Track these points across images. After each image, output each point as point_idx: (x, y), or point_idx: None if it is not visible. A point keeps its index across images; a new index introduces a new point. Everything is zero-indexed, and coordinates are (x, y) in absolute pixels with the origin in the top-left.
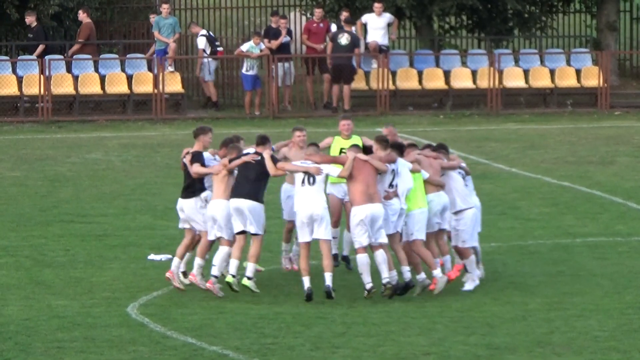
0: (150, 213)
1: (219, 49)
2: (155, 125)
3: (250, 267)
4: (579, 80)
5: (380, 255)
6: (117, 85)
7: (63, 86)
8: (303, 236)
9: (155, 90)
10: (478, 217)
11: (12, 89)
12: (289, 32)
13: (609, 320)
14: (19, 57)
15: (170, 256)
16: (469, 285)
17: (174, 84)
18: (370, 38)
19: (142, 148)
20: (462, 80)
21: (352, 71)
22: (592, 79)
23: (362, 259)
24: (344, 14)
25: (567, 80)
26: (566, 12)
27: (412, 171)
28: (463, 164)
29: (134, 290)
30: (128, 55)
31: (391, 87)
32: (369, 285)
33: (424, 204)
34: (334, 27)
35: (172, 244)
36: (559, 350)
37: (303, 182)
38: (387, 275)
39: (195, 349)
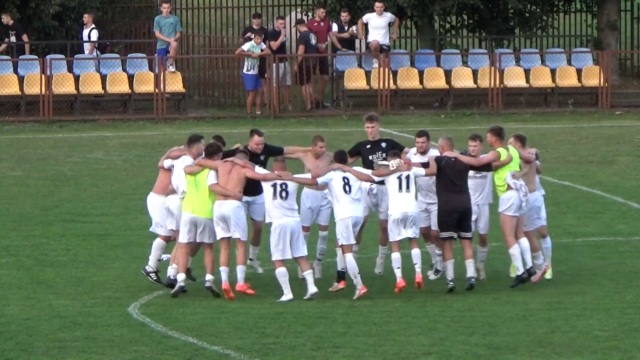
0: None
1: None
2: (157, 125)
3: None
4: (579, 79)
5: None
6: (118, 85)
7: (64, 86)
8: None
9: (157, 90)
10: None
11: (13, 89)
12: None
13: (609, 319)
14: (20, 57)
15: (170, 255)
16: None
17: (175, 83)
18: (371, 37)
19: (143, 147)
20: (463, 79)
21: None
22: (593, 78)
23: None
24: (343, 14)
25: (568, 79)
26: (567, 11)
27: None
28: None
29: (135, 290)
30: (129, 55)
31: (392, 86)
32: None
33: None
34: (335, 27)
35: (172, 243)
36: (559, 350)
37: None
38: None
39: (197, 349)
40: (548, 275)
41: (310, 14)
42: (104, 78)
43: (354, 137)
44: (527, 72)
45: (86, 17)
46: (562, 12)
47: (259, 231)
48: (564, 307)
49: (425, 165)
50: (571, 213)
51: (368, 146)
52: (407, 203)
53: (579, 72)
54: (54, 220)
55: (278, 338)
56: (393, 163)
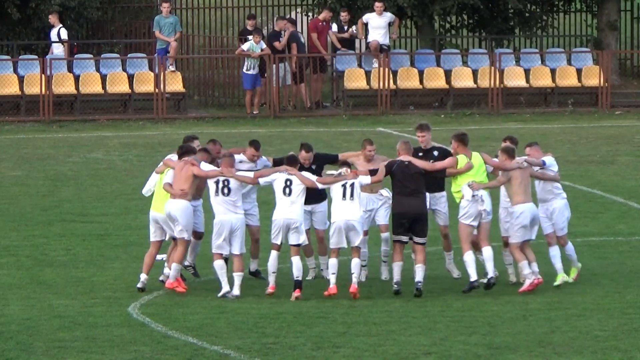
0: None
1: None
2: (157, 125)
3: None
4: (579, 79)
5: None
6: (118, 85)
7: (64, 85)
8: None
9: (157, 90)
10: None
11: (13, 89)
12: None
13: (609, 319)
14: (20, 57)
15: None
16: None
17: (175, 83)
18: (371, 37)
19: (143, 147)
20: (463, 79)
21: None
22: (593, 78)
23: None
24: (343, 14)
25: (568, 79)
26: (567, 11)
27: None
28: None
29: (135, 290)
30: (129, 55)
31: (392, 86)
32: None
33: None
34: (334, 27)
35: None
36: (559, 350)
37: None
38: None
39: (197, 349)
40: (570, 279)
41: (310, 14)
42: (103, 78)
43: (354, 137)
44: (527, 72)
45: (52, 18)
46: (562, 12)
47: (321, 239)
48: (564, 307)
49: (372, 172)
50: (571, 213)
51: (420, 154)
52: (350, 211)
53: (579, 72)
54: (54, 220)
55: (278, 338)
56: (341, 171)
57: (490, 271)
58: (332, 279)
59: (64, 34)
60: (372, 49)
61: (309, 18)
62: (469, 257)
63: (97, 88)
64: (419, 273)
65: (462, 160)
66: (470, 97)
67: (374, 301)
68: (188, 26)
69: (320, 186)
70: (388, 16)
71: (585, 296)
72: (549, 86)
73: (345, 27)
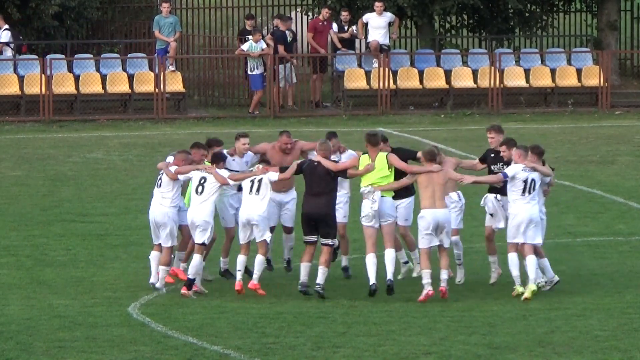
0: None
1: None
2: (157, 125)
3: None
4: (579, 79)
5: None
6: (118, 85)
7: (64, 86)
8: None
9: (157, 90)
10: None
11: (13, 89)
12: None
13: (609, 319)
14: (19, 57)
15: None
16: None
17: (175, 83)
18: (371, 37)
19: (143, 147)
20: (463, 79)
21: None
22: (593, 78)
23: None
24: (343, 14)
25: (568, 79)
26: (567, 11)
27: None
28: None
29: (135, 290)
30: (129, 55)
31: (392, 86)
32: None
33: None
34: (335, 27)
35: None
36: (559, 350)
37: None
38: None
39: (197, 349)
40: (527, 293)
41: (310, 13)
42: (103, 78)
43: (354, 137)
44: (527, 72)
45: None
46: (562, 12)
47: (405, 235)
48: (563, 307)
49: (282, 169)
50: (571, 213)
51: (492, 155)
52: (253, 206)
53: (578, 72)
54: (54, 220)
55: (278, 338)
56: (253, 168)
57: (389, 273)
58: (239, 275)
59: (6, 37)
60: (372, 49)
61: (309, 18)
62: (369, 259)
63: (97, 88)
64: (320, 275)
65: (363, 161)
66: (470, 97)
67: (373, 301)
68: (188, 26)
69: (231, 182)
70: (388, 16)
71: (585, 296)
72: (549, 86)
73: (346, 27)
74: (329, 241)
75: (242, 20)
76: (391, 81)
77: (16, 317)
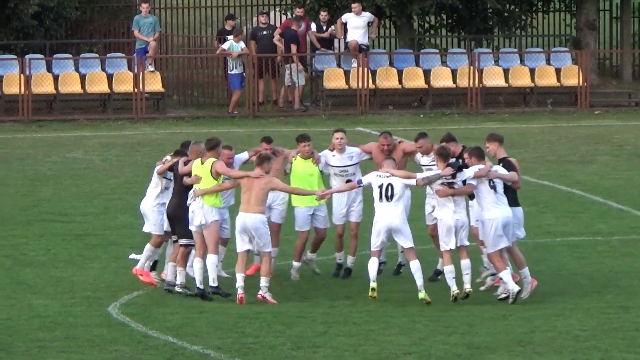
0: (130, 212)
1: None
2: (136, 125)
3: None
4: (558, 79)
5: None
6: (98, 85)
7: (43, 85)
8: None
9: (136, 90)
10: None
11: None
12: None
13: (589, 319)
14: None
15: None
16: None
17: (154, 83)
18: (350, 37)
19: (122, 147)
20: (442, 79)
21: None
22: (572, 78)
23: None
24: (322, 14)
25: (547, 79)
26: (546, 11)
27: None
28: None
29: (114, 290)
30: (108, 55)
31: (371, 86)
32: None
33: None
34: (313, 27)
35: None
36: (539, 350)
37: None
38: None
39: (177, 349)
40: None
41: (288, 13)
42: (82, 78)
43: None
44: (506, 71)
45: None
46: (541, 12)
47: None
48: (543, 307)
49: None
50: (550, 213)
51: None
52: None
53: (558, 71)
54: (33, 220)
55: (258, 338)
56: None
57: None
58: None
59: None
60: (351, 48)
61: (287, 17)
62: (209, 260)
63: (76, 88)
64: (181, 274)
65: (195, 166)
66: (449, 97)
67: (353, 301)
68: (167, 26)
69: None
70: (367, 16)
71: (564, 296)
72: (528, 86)
73: (324, 27)
74: (183, 241)
75: (222, 20)
76: (370, 81)
77: None
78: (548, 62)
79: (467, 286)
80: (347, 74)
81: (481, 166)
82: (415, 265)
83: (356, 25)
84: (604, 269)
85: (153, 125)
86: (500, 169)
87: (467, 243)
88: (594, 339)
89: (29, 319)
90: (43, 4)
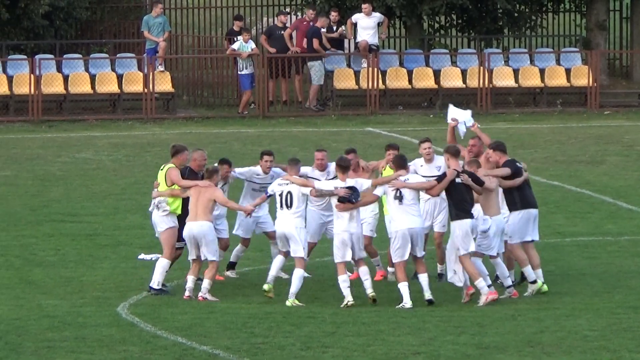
0: (140, 212)
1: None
2: (145, 125)
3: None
4: (568, 79)
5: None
6: (107, 85)
7: (53, 86)
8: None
9: (145, 90)
10: None
11: (2, 89)
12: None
13: (598, 319)
14: (9, 57)
15: (160, 255)
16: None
17: (164, 83)
18: (360, 37)
19: (132, 147)
20: (452, 79)
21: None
22: (582, 78)
23: None
24: (332, 14)
25: (556, 79)
26: (556, 11)
27: None
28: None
29: (124, 290)
30: (118, 55)
31: (381, 86)
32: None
33: None
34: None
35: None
36: (548, 350)
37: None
38: None
39: (186, 349)
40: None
41: (299, 13)
42: (92, 78)
43: (343, 137)
44: (516, 72)
45: None
46: (551, 12)
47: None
48: (552, 307)
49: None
50: (560, 213)
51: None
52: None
53: (567, 72)
54: (43, 220)
55: (267, 338)
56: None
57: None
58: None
59: None
60: (361, 49)
61: (298, 18)
62: (159, 263)
63: (86, 88)
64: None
65: (160, 172)
66: (459, 97)
67: (363, 301)
68: (177, 26)
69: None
70: (377, 16)
71: (574, 296)
72: (537, 86)
73: (335, 27)
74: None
75: (231, 21)
76: (380, 81)
77: (5, 317)
78: (558, 62)
79: (369, 291)
80: (357, 74)
81: (401, 172)
82: (298, 274)
83: (366, 26)
84: (613, 269)
85: (163, 125)
86: (413, 178)
87: (365, 255)
88: (603, 339)
89: (38, 319)
90: (53, 4)
